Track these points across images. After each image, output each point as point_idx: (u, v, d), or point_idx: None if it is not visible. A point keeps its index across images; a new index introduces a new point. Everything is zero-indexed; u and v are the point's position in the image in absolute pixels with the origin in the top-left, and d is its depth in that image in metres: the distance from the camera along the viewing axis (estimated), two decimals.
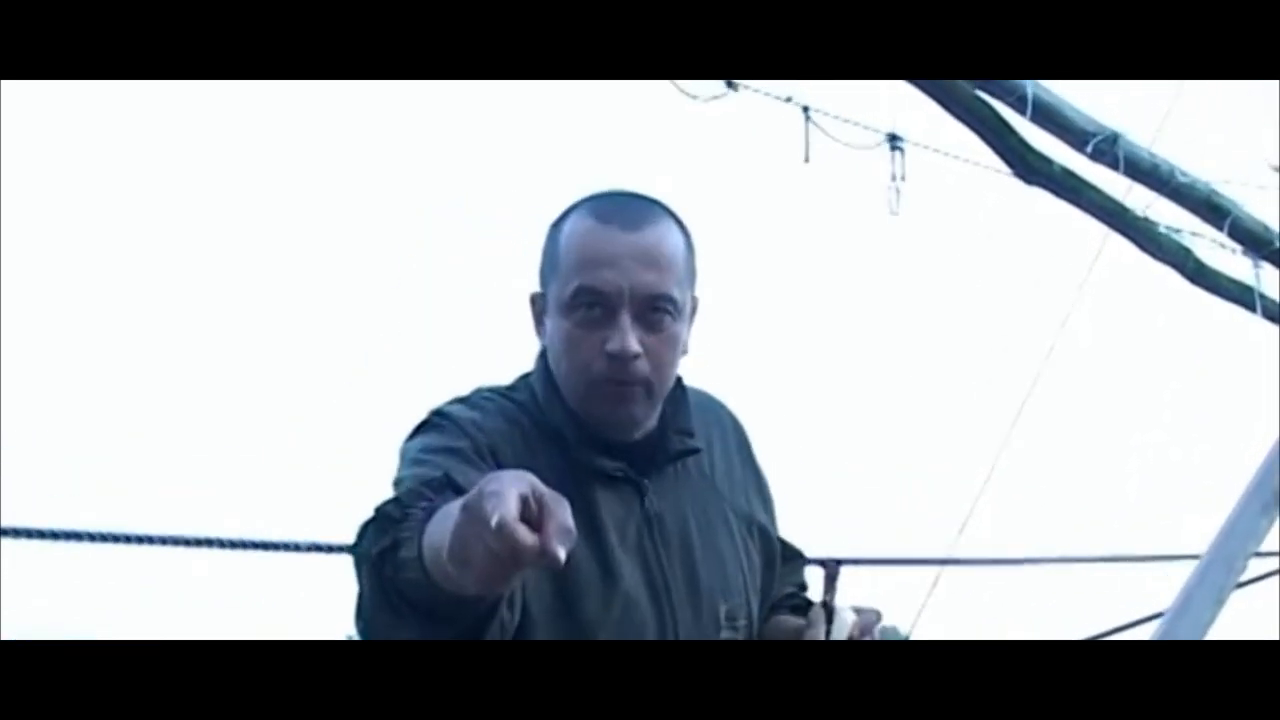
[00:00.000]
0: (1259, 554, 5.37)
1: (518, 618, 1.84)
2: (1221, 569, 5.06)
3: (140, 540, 3.60)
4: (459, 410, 1.99)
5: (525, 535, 1.49)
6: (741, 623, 2.07)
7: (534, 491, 1.52)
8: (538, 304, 2.04)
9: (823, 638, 2.00)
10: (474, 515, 1.52)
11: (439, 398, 2.06)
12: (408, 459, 1.93)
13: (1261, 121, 6.48)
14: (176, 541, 3.63)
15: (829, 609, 2.00)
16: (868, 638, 2.01)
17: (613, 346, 1.93)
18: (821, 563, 2.05)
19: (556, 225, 2.03)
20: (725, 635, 2.06)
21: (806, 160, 4.17)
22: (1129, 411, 7.00)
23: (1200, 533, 5.24)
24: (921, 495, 6.52)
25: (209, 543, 3.60)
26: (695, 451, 2.08)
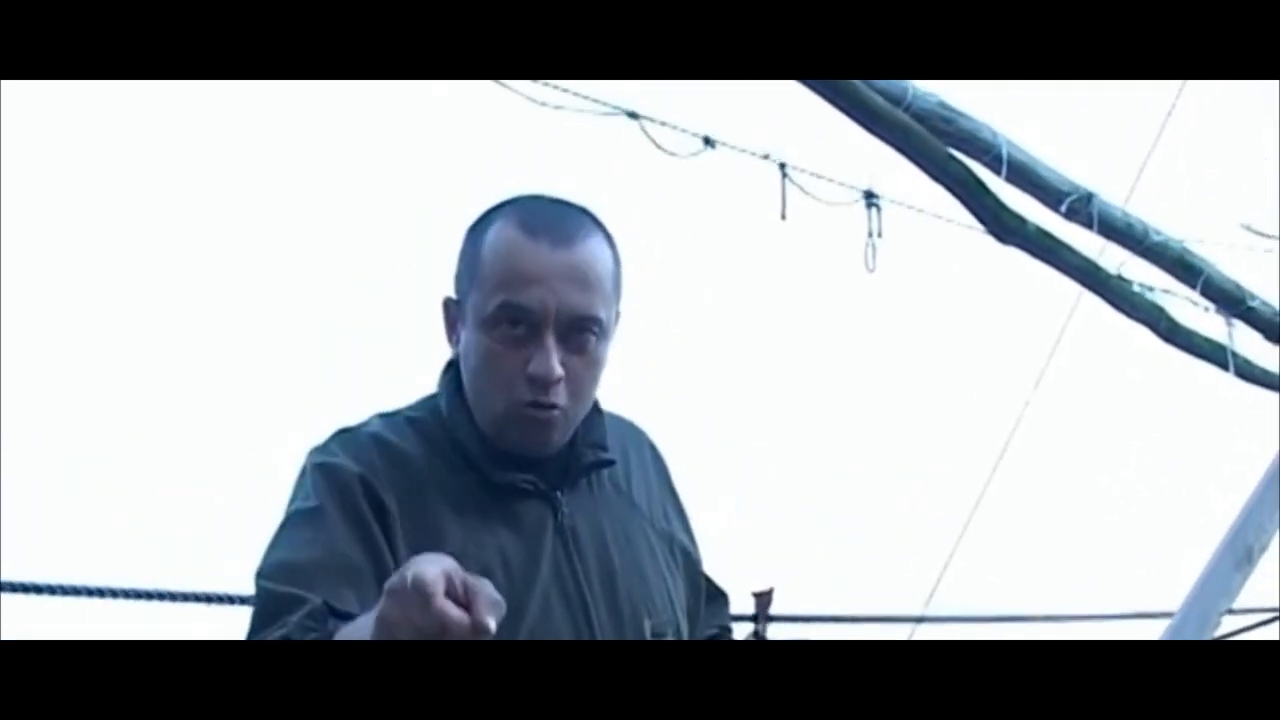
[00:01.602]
0: (1232, 611, 5.38)
1: None
2: (1195, 625, 5.07)
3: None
4: (337, 459, 1.87)
5: (454, 612, 1.48)
6: (669, 637, 1.98)
7: (455, 571, 1.51)
8: (452, 310, 1.94)
9: None
10: (399, 599, 1.51)
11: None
12: (277, 556, 1.83)
13: (1234, 181, 6.54)
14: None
15: (759, 639, 1.97)
16: None
17: (535, 369, 1.84)
18: (756, 593, 1.99)
19: (478, 230, 1.92)
20: None
21: (784, 217, 4.19)
22: (1103, 469, 7.02)
23: (1174, 589, 5.26)
24: (896, 551, 6.52)
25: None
26: (609, 464, 1.99)
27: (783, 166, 4.18)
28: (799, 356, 6.38)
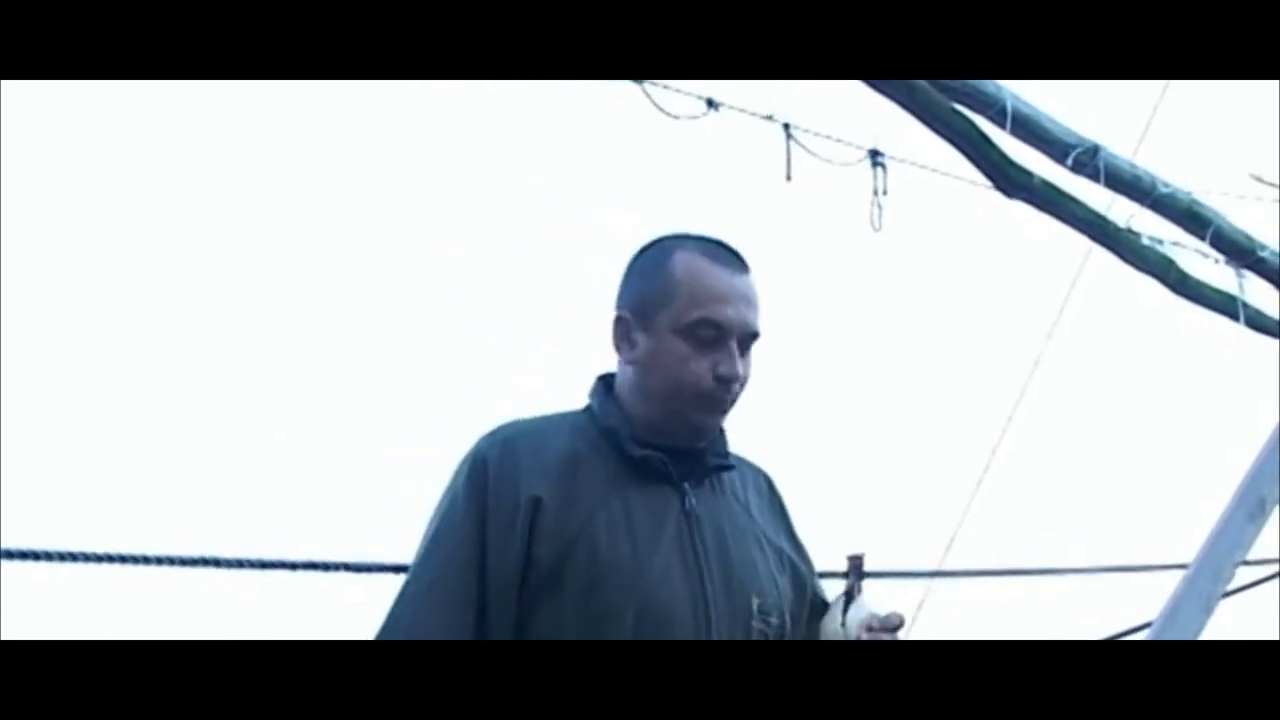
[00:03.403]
0: (1246, 562, 5.38)
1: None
2: (1209, 577, 5.07)
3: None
4: (491, 454, 2.25)
5: None
6: (774, 620, 2.28)
7: None
8: (626, 324, 2.33)
9: (839, 625, 2.19)
10: None
11: (471, 414, 2.36)
12: (422, 551, 2.25)
13: (1242, 131, 6.50)
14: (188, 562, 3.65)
15: (849, 596, 2.21)
16: (882, 636, 2.19)
17: (725, 370, 2.26)
18: (849, 557, 2.29)
19: (656, 259, 2.33)
20: (757, 626, 2.25)
21: (789, 178, 4.18)
22: (1115, 422, 7.01)
23: (1188, 541, 5.25)
24: (910, 508, 6.52)
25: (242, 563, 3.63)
26: (729, 468, 2.37)
27: (786, 127, 4.17)
28: (807, 318, 6.37)
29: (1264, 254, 5.29)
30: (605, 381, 2.37)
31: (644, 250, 2.37)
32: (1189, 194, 4.84)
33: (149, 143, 5.07)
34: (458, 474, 2.28)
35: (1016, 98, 4.06)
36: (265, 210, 5.35)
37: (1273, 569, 6.65)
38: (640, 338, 2.31)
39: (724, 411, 2.31)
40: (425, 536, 2.27)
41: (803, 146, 4.20)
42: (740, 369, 2.28)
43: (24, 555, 3.44)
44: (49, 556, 3.50)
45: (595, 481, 2.24)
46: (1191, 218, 4.91)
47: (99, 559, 3.62)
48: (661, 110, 3.93)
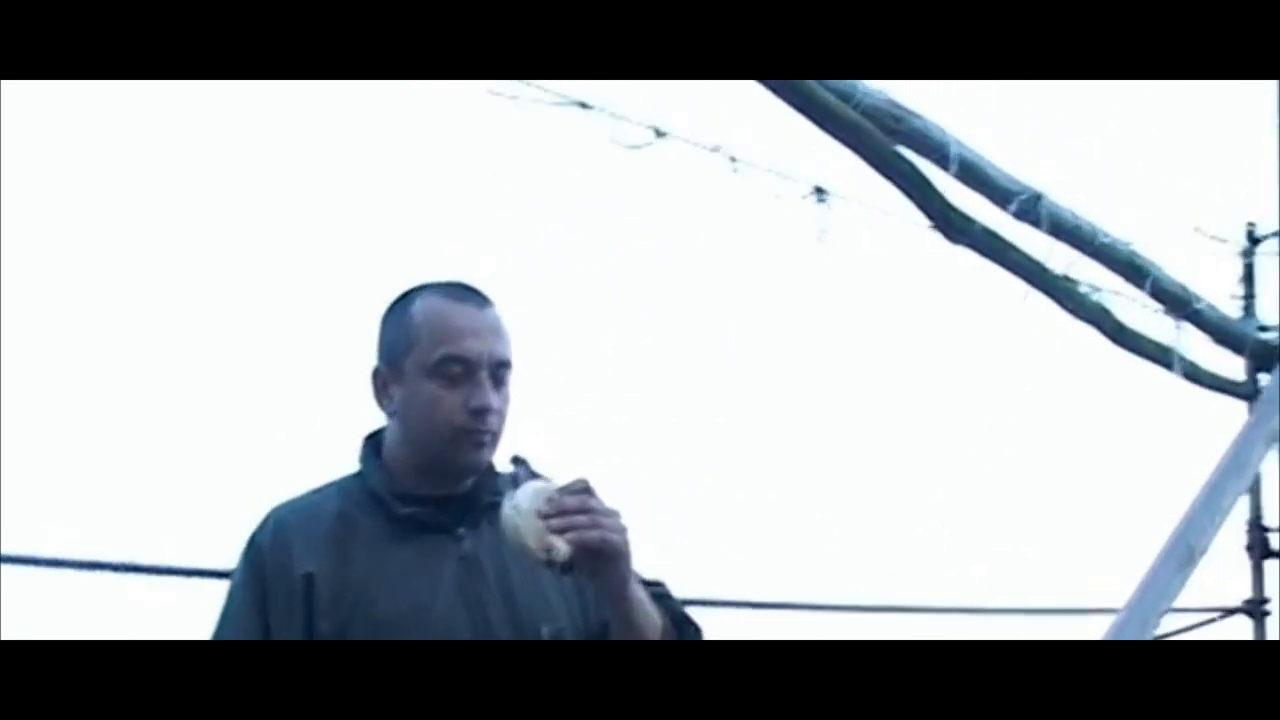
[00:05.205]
0: (1173, 610, 5.41)
1: None
2: (1137, 625, 5.09)
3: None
4: (258, 540, 2.28)
5: None
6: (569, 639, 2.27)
7: None
8: (382, 377, 2.33)
9: (510, 507, 2.10)
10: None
11: None
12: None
13: (1185, 184, 6.57)
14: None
15: (515, 480, 2.15)
16: (570, 501, 2.10)
17: (476, 402, 2.25)
18: (512, 457, 2.23)
19: (401, 307, 2.34)
20: None
21: (731, 210, 4.19)
22: (1050, 466, 7.05)
23: (1117, 588, 5.28)
24: (843, 540, 6.54)
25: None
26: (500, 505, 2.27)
27: (733, 159, 4.17)
28: (748, 348, 6.39)
29: (1201, 306, 5.34)
30: (372, 440, 2.38)
31: (391, 303, 2.38)
32: (1129, 244, 4.88)
33: (149, 143, 5.08)
34: (237, 565, 2.30)
35: (961, 144, 4.08)
36: (266, 211, 5.36)
37: (1199, 618, 6.71)
38: (395, 389, 2.32)
39: (484, 445, 2.28)
40: (213, 628, 2.30)
41: (747, 179, 4.21)
42: (492, 400, 2.26)
43: (25, 561, 3.45)
44: (50, 563, 3.51)
45: (367, 545, 2.25)
46: (1131, 267, 4.94)
47: (110, 568, 3.64)
48: (610, 138, 3.93)
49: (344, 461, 2.42)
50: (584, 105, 3.88)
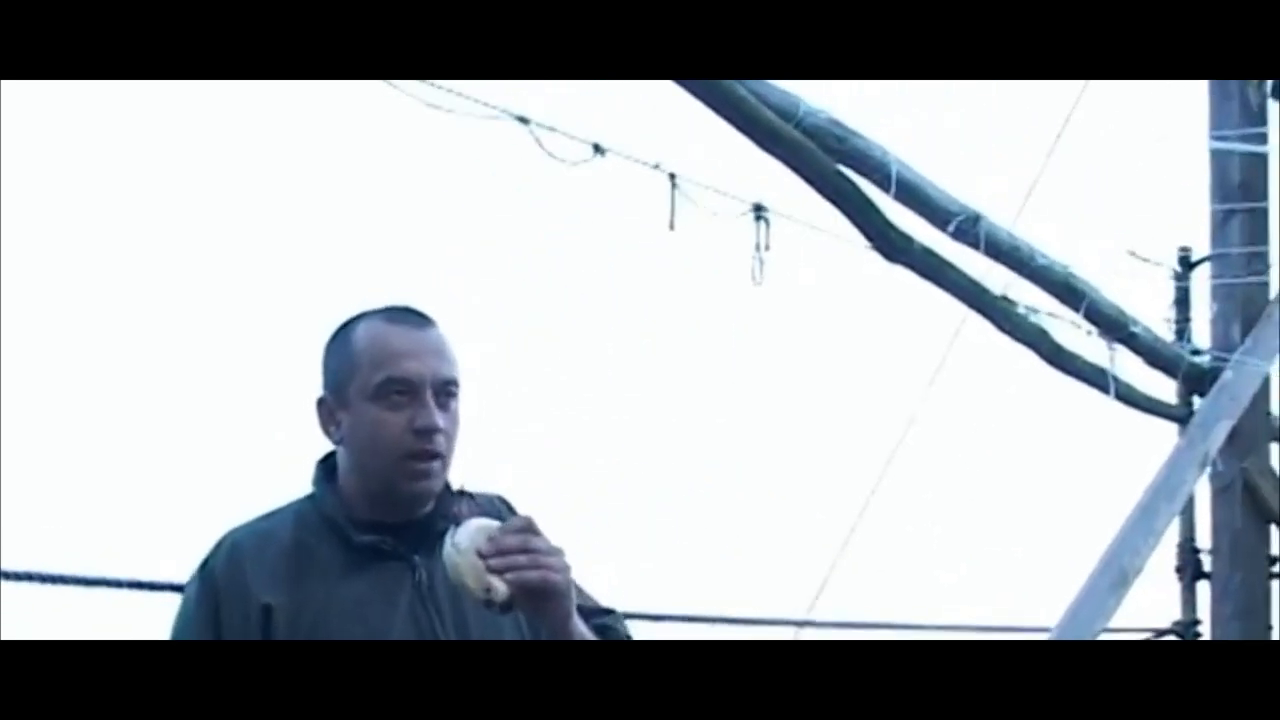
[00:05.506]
0: (1107, 630, 5.45)
1: None
2: None
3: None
4: (219, 565, 2.24)
5: None
6: None
7: None
8: (327, 405, 2.30)
9: (449, 546, 2.08)
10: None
11: None
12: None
13: (1120, 207, 6.62)
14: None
15: (456, 521, 2.12)
16: (510, 540, 2.09)
17: (421, 422, 2.22)
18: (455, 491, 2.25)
19: (342, 335, 2.32)
20: None
21: (672, 228, 4.17)
22: (985, 485, 7.08)
23: (1051, 606, 5.30)
24: (782, 558, 6.55)
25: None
26: None
27: (672, 176, 4.15)
28: (685, 366, 6.38)
29: (1136, 329, 5.38)
30: (326, 464, 2.34)
31: (333, 332, 2.35)
32: (1065, 266, 4.91)
33: (147, 144, 5.03)
34: (189, 587, 2.28)
35: (901, 163, 4.09)
36: (267, 212, 5.32)
37: (1132, 637, 6.76)
38: (341, 415, 2.28)
39: (429, 472, 2.25)
40: None
41: (687, 197, 4.19)
42: (437, 420, 2.22)
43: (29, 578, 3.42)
44: (52, 580, 3.48)
45: (323, 573, 2.22)
46: (1067, 290, 4.97)
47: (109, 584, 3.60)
48: (548, 153, 3.91)
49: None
50: (522, 120, 3.85)
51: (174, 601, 2.37)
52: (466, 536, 2.08)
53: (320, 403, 2.31)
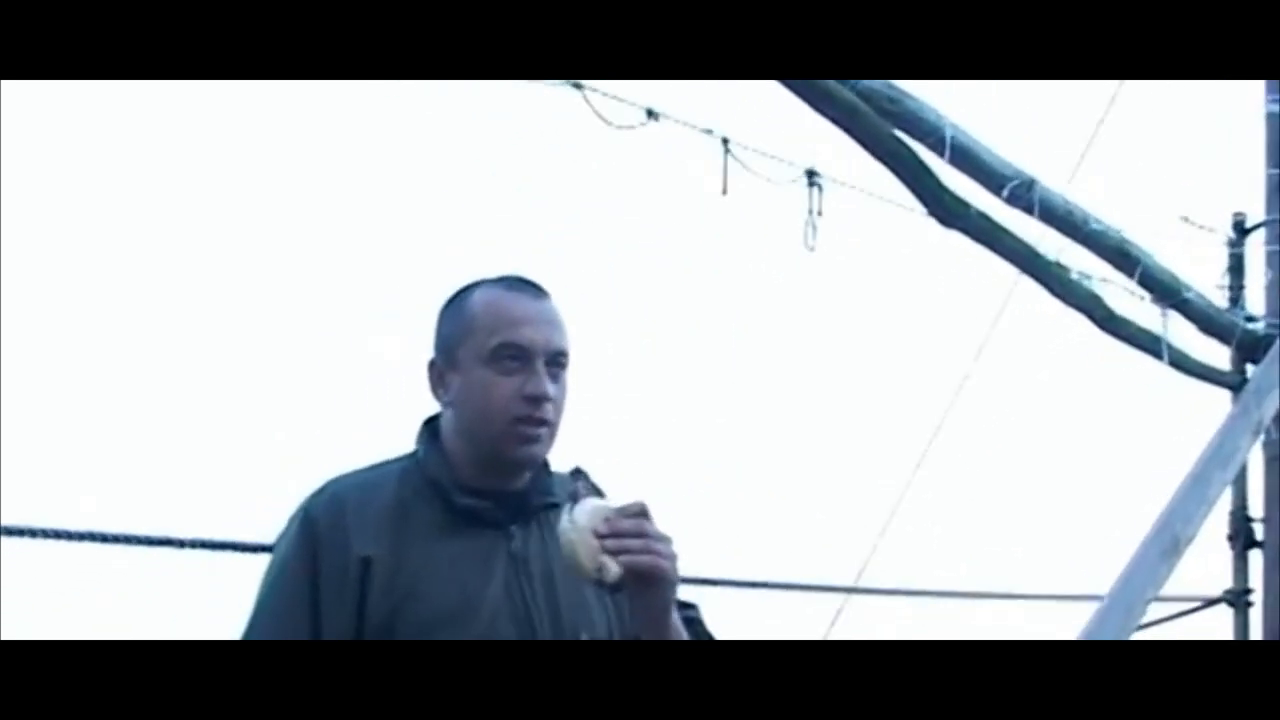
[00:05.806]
0: (1159, 598, 5.43)
1: None
2: (1121, 612, 5.11)
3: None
4: (320, 514, 2.27)
5: None
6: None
7: None
8: (438, 368, 2.34)
9: (566, 522, 2.13)
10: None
11: None
12: (253, 615, 2.28)
13: (1174, 173, 6.57)
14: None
15: (574, 497, 2.17)
16: (625, 524, 2.14)
17: (531, 389, 2.25)
18: (573, 470, 2.26)
19: (458, 301, 2.36)
20: None
21: (725, 192, 4.18)
22: (1037, 451, 7.06)
23: (1102, 574, 5.29)
24: (831, 525, 6.55)
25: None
26: (555, 506, 2.28)
27: (725, 141, 4.16)
28: (737, 332, 6.39)
29: (1189, 295, 5.35)
30: (430, 426, 2.38)
31: (449, 298, 2.39)
32: (1119, 231, 4.88)
33: (149, 142, 5.07)
34: (286, 533, 2.30)
35: (956, 127, 4.08)
36: (266, 212, 5.35)
37: (1183, 606, 6.73)
38: (452, 378, 2.32)
39: (538, 439, 2.29)
40: (258, 597, 2.29)
41: (740, 162, 4.19)
42: (547, 388, 2.27)
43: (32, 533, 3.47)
44: (53, 534, 3.53)
45: (422, 532, 2.26)
46: (1121, 255, 4.95)
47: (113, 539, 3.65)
48: (602, 118, 3.92)
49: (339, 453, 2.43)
50: (577, 85, 3.86)
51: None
52: (584, 515, 2.13)
53: (431, 365, 2.35)
